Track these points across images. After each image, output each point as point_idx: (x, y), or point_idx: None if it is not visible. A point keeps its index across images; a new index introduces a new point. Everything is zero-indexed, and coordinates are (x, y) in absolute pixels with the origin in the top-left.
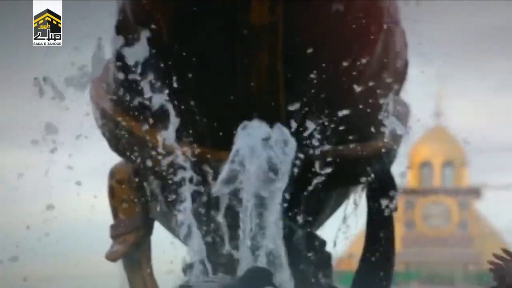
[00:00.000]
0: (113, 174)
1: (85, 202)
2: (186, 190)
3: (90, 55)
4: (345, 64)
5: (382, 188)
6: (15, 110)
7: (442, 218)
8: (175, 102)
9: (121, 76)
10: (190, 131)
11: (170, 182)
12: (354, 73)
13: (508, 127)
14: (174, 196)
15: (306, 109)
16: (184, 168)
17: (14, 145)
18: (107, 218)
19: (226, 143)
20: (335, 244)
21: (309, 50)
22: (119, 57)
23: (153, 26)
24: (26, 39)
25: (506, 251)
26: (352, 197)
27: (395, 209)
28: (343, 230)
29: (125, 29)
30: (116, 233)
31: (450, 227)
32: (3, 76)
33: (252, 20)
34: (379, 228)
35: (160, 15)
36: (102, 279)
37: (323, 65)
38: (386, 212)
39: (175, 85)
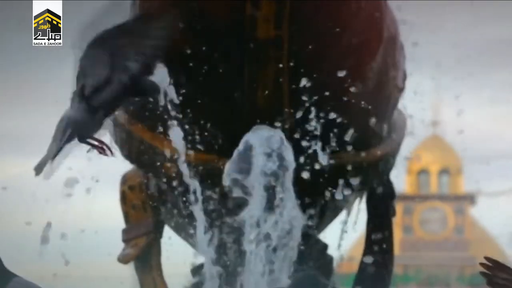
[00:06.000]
0: (125, 180)
1: (98, 207)
2: (195, 196)
3: None
4: (347, 75)
5: (381, 194)
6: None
7: (438, 223)
8: (185, 111)
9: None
10: (199, 140)
11: (179, 188)
12: (355, 83)
13: (502, 136)
14: (183, 201)
15: (310, 118)
16: (192, 175)
17: (25, 153)
18: (119, 223)
19: (231, 151)
20: (337, 248)
21: (313, 62)
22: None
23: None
24: (26, 39)
25: (489, 259)
26: (352, 203)
27: (394, 214)
28: (344, 234)
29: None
30: (127, 237)
31: (446, 231)
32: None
33: (258, 35)
34: (378, 233)
35: (170, 29)
36: (114, 281)
37: (326, 76)
38: (385, 217)
39: (185, 95)
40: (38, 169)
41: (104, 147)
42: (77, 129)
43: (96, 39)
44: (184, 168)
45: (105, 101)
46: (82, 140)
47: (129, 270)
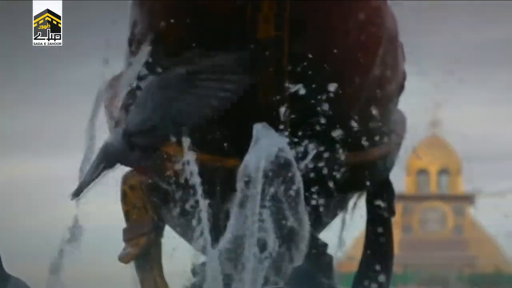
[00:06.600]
0: (125, 179)
1: (100, 207)
2: (197, 196)
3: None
4: (347, 75)
5: (381, 194)
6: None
7: (438, 223)
8: None
9: (133, 86)
10: (200, 140)
11: (181, 188)
12: (355, 84)
13: (501, 137)
14: (184, 201)
15: (311, 118)
16: (194, 175)
17: (36, 154)
18: (120, 222)
19: (234, 151)
20: (337, 247)
21: (313, 63)
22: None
23: (163, 44)
24: (26, 39)
25: None
26: (352, 202)
27: (393, 214)
28: (343, 234)
29: (137, 42)
30: (128, 236)
31: (445, 231)
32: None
33: (259, 36)
34: (378, 232)
35: (170, 30)
36: (114, 280)
37: (327, 76)
38: (385, 217)
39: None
40: (76, 194)
41: (146, 169)
42: (119, 159)
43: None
44: (187, 169)
45: (147, 143)
46: (126, 165)
47: (129, 270)
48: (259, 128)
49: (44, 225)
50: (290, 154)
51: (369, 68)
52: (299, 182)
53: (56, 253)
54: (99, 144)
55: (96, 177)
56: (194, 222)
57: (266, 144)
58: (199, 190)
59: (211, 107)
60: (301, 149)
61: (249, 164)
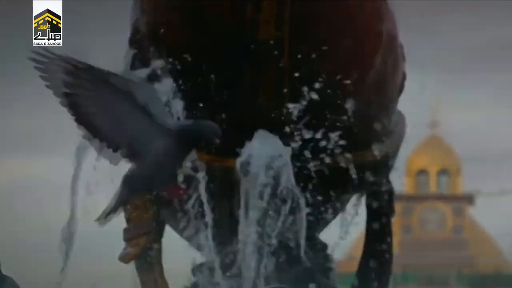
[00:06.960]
0: None
1: (99, 207)
2: (197, 195)
3: None
4: (347, 76)
5: (380, 194)
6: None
7: (437, 223)
8: (186, 112)
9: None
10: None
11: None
12: (355, 84)
13: (501, 137)
14: (184, 201)
15: (310, 118)
16: (194, 174)
17: (36, 154)
18: (120, 222)
19: (233, 152)
20: (336, 247)
21: (314, 63)
22: (132, 68)
23: (164, 44)
24: (26, 39)
25: None
26: (352, 203)
27: (393, 214)
28: (343, 234)
29: (138, 42)
30: (128, 236)
31: (445, 231)
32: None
33: (259, 36)
34: (377, 233)
35: (170, 31)
36: (114, 280)
37: (327, 77)
38: (385, 217)
39: (185, 95)
40: (101, 219)
41: (180, 191)
42: (148, 184)
43: None
44: (186, 168)
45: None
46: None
47: (129, 270)
48: (259, 137)
49: (44, 225)
50: (288, 160)
51: (369, 68)
52: (297, 197)
53: (56, 253)
54: (81, 200)
55: (123, 203)
56: (194, 221)
57: (265, 150)
58: (200, 189)
59: None
60: (301, 148)
61: (249, 170)
